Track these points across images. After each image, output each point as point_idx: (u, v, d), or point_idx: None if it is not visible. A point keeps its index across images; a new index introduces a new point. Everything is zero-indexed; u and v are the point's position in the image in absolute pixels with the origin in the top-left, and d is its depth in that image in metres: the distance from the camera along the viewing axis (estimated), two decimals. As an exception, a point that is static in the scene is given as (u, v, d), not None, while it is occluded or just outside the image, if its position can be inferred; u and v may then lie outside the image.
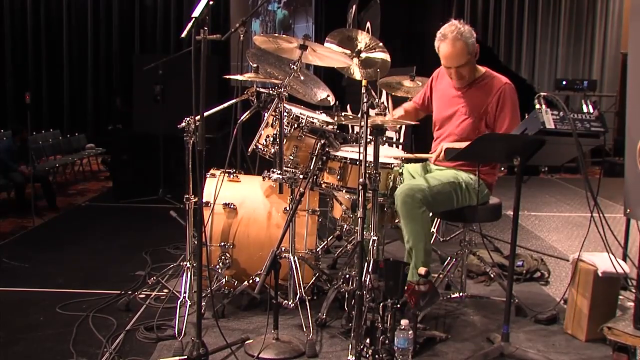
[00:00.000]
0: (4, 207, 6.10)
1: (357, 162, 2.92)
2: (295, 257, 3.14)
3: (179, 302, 3.02)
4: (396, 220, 3.19)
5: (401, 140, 4.99)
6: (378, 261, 2.73)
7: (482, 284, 3.78)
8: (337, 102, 3.83)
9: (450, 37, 3.03)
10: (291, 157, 3.27)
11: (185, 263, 3.20)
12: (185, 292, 3.05)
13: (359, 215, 2.61)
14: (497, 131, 3.09)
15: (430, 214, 3.12)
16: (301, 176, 3.20)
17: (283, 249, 3.09)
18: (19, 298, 3.50)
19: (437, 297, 3.02)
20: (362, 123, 2.69)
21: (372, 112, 2.86)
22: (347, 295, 2.96)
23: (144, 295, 3.42)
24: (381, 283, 2.61)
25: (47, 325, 3.07)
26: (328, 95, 3.81)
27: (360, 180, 2.61)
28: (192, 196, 3.18)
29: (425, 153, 3.42)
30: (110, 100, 7.95)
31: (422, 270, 2.76)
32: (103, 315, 3.18)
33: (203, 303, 2.86)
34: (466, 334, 3.02)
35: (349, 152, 3.29)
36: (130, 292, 3.37)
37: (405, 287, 2.67)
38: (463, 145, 2.93)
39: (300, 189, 3.03)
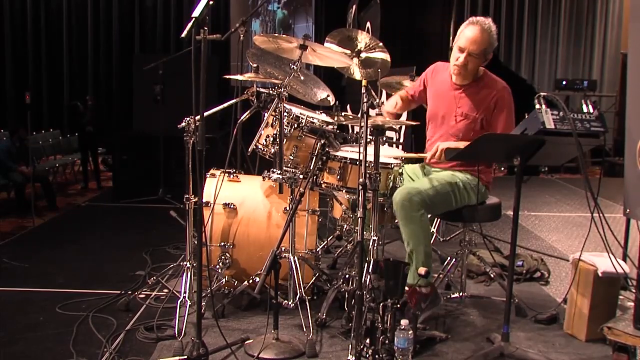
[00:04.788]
0: (4, 207, 6.09)
1: (357, 162, 2.92)
2: (295, 257, 3.14)
3: (179, 302, 3.02)
4: (396, 220, 3.19)
5: (401, 140, 4.98)
6: (378, 261, 2.73)
7: (482, 284, 3.78)
8: (337, 102, 3.83)
9: (482, 26, 3.08)
10: (291, 157, 3.27)
11: (185, 263, 3.20)
12: (185, 292, 3.06)
13: (359, 215, 2.61)
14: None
15: (429, 215, 3.11)
16: (301, 176, 3.20)
17: (283, 249, 3.09)
18: (19, 298, 3.49)
19: (439, 301, 3.03)
20: (362, 123, 2.69)
21: (372, 112, 2.85)
22: (347, 295, 2.96)
23: (144, 295, 3.41)
24: (381, 283, 2.60)
25: (47, 325, 3.07)
26: (328, 95, 3.81)
27: (360, 180, 2.62)
28: (192, 196, 3.19)
29: (423, 152, 3.41)
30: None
31: (422, 270, 2.76)
32: (103, 315, 3.18)
33: (203, 303, 2.86)
34: (466, 334, 3.02)
35: (349, 152, 3.29)
36: (130, 292, 3.37)
37: (407, 289, 2.67)
38: (461, 145, 2.93)
39: (300, 189, 3.03)
